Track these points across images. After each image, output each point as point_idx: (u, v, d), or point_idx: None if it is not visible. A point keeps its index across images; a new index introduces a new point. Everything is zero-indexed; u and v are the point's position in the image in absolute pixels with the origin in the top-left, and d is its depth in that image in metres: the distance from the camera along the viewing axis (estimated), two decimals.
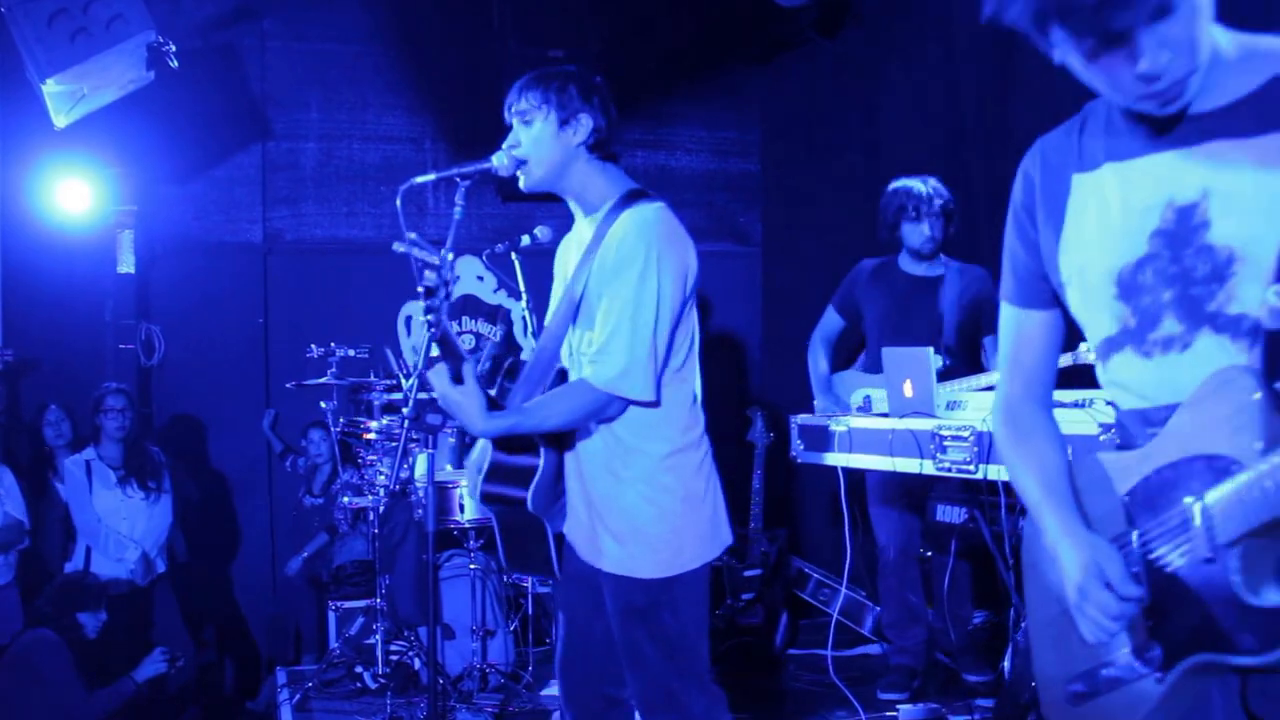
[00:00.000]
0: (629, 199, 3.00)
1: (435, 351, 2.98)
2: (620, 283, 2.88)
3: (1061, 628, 1.89)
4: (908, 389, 4.30)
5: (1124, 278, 1.78)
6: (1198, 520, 1.63)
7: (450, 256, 2.87)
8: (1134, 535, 1.77)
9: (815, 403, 5.16)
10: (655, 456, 2.96)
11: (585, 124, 2.98)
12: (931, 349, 4.30)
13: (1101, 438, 3.16)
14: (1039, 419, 2.01)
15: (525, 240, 4.75)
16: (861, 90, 6.96)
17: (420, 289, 2.83)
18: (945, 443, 3.96)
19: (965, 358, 5.07)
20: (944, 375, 4.54)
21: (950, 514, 4.96)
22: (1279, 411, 1.56)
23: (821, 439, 4.64)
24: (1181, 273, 1.71)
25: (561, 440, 3.04)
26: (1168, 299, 1.73)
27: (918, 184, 5.04)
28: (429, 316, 2.84)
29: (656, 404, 2.93)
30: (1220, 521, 1.59)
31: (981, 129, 6.02)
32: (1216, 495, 1.60)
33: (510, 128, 3.04)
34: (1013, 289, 2.01)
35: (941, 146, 6.33)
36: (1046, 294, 1.95)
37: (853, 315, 5.26)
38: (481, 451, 3.20)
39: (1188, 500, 1.65)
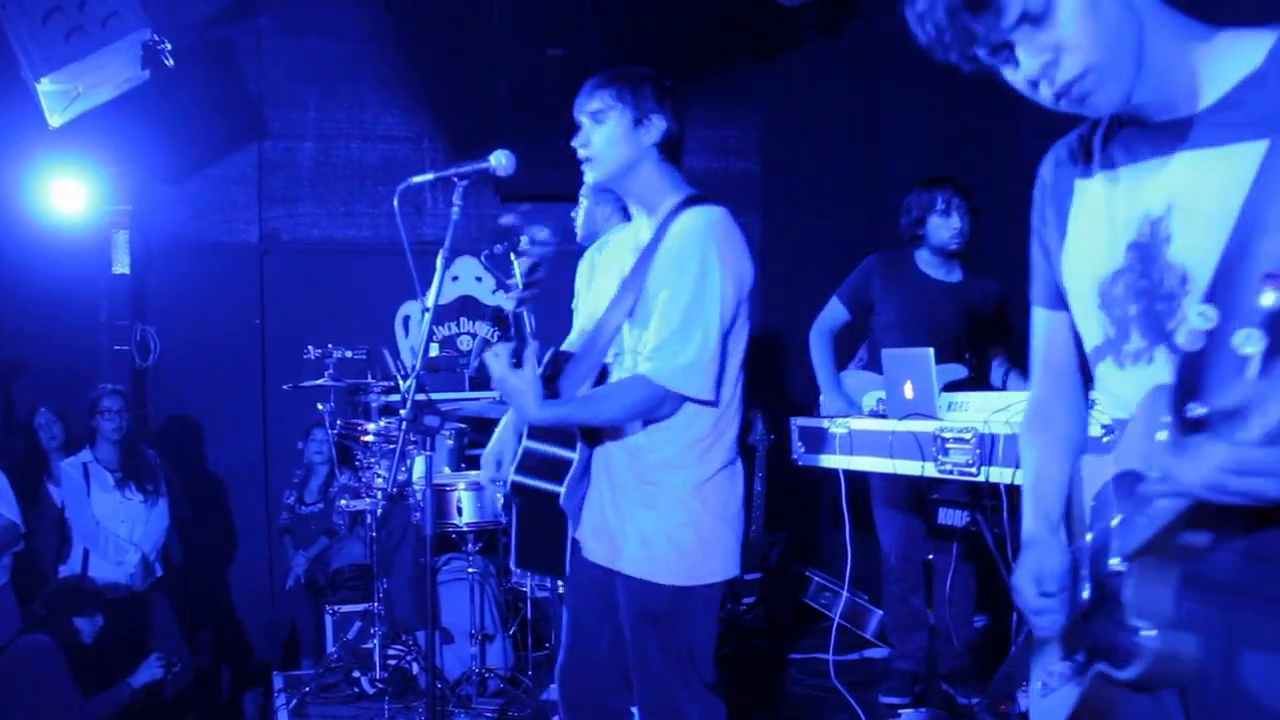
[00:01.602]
0: (691, 201, 3.00)
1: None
2: (681, 280, 2.87)
3: None
4: (908, 390, 4.26)
5: (1103, 288, 1.79)
6: (1111, 533, 1.71)
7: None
8: (1088, 538, 1.83)
9: (823, 399, 5.07)
10: (701, 466, 2.95)
11: (658, 125, 3.00)
12: (931, 350, 4.26)
13: (1105, 439, 3.13)
14: (1061, 420, 2.05)
15: (524, 241, 4.70)
16: (863, 89, 6.94)
17: (525, 263, 2.92)
18: (947, 445, 3.92)
19: (980, 370, 5.03)
20: (962, 386, 4.51)
21: (952, 517, 4.92)
22: (1185, 433, 1.54)
23: (821, 441, 4.60)
24: (1149, 288, 1.71)
25: (596, 438, 3.02)
26: (1133, 313, 1.74)
27: (944, 182, 4.98)
28: (525, 293, 2.92)
29: (715, 404, 2.93)
30: (1122, 537, 1.67)
31: (984, 129, 6.00)
32: (1126, 509, 1.68)
33: (579, 126, 3.03)
34: (1038, 290, 2.03)
35: (943, 146, 6.31)
36: (1064, 296, 1.96)
37: (861, 310, 5.15)
38: (498, 443, 3.15)
39: (1114, 512, 1.73)
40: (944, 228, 4.93)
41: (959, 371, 4.78)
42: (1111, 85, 1.61)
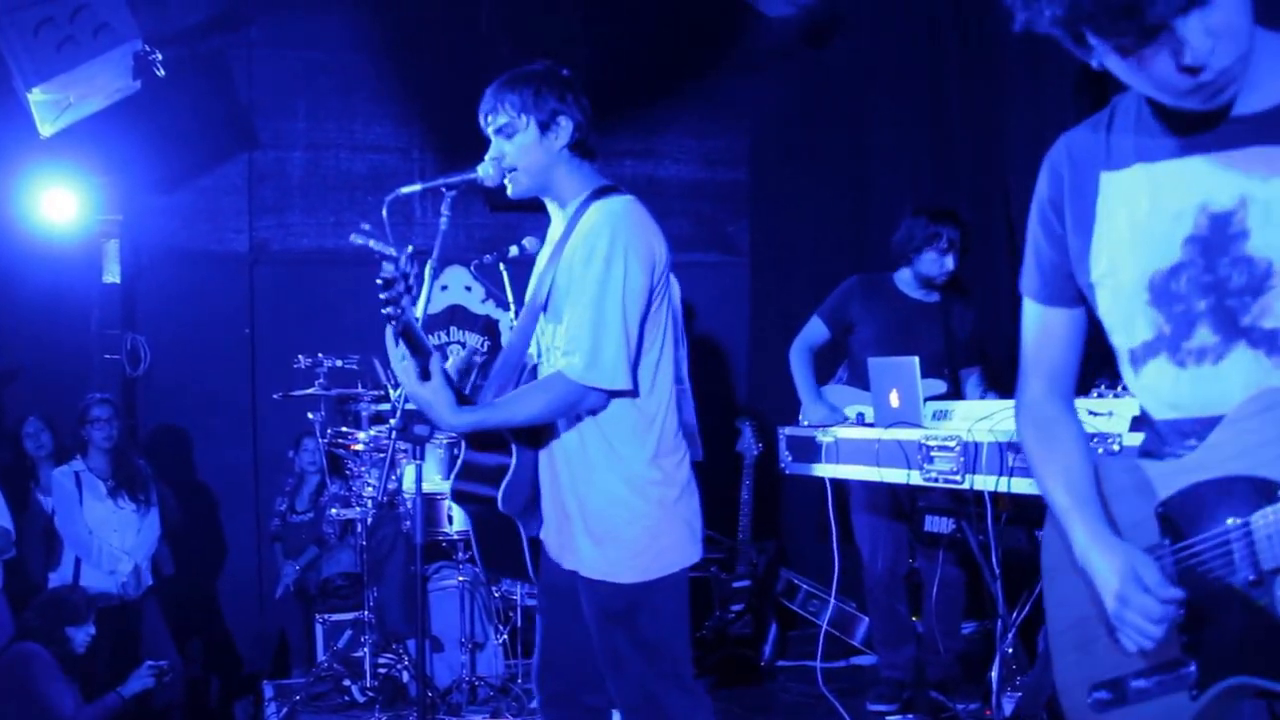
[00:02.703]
0: (598, 194, 3.00)
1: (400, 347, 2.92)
2: (587, 273, 2.86)
3: (1085, 633, 1.88)
4: (894, 399, 4.30)
5: (1156, 284, 1.74)
6: (1240, 542, 1.61)
7: (410, 249, 2.83)
8: (1169, 548, 1.74)
9: (804, 411, 5.11)
10: (634, 459, 2.93)
11: (565, 126, 2.98)
12: (917, 359, 4.29)
13: (1114, 447, 3.16)
14: (1063, 420, 1.97)
15: (513, 251, 4.73)
16: (849, 100, 6.97)
17: (378, 280, 2.76)
18: (932, 453, 3.95)
19: (957, 388, 5.07)
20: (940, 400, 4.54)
21: (938, 524, 4.94)
22: None
23: (809, 450, 4.63)
24: (1216, 282, 1.67)
25: (537, 439, 3.00)
26: (1202, 308, 1.69)
27: (952, 219, 5.00)
28: (388, 309, 2.79)
29: (634, 393, 2.90)
30: (1265, 546, 1.58)
31: (968, 139, 6.03)
32: (1264, 519, 1.58)
33: (489, 140, 3.03)
34: (1037, 285, 1.97)
35: (928, 157, 6.34)
36: (1071, 291, 1.91)
37: (841, 329, 5.21)
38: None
39: (1231, 521, 1.63)
40: (936, 265, 4.97)
41: (938, 387, 4.83)
42: (1241, 78, 1.59)
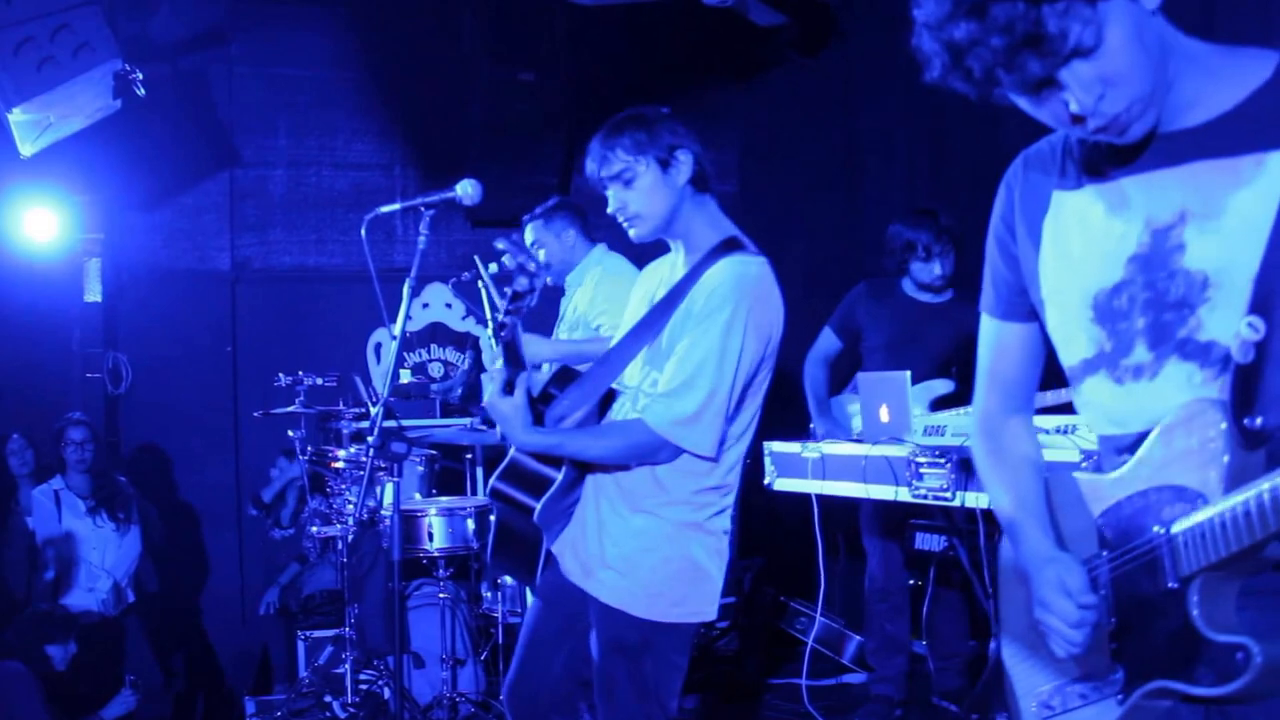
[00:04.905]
0: (726, 246, 2.93)
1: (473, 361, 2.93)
2: (704, 330, 2.80)
3: (1032, 643, 1.93)
4: (884, 414, 4.25)
5: (1100, 302, 1.76)
6: (1162, 550, 1.65)
7: (542, 257, 2.82)
8: (1105, 558, 1.78)
9: (813, 425, 5.08)
10: (692, 507, 2.89)
11: (685, 160, 2.92)
12: (908, 373, 4.25)
13: (1083, 464, 3.13)
14: (1017, 433, 2.02)
15: (493, 268, 4.71)
16: (841, 110, 6.95)
17: (510, 290, 2.79)
18: (922, 469, 3.92)
19: (967, 388, 5.04)
20: (951, 401, 4.49)
21: (929, 542, 4.91)
22: (1245, 447, 1.55)
23: (795, 466, 4.60)
24: (1155, 298, 1.69)
25: (593, 464, 2.96)
26: (1141, 326, 1.71)
27: (926, 224, 4.94)
28: (506, 318, 2.81)
29: (715, 460, 2.86)
30: (1183, 553, 1.62)
31: (964, 148, 6.02)
32: (1180, 527, 1.62)
33: (604, 191, 2.94)
34: (992, 301, 2.01)
35: (923, 166, 6.32)
36: (1025, 307, 1.94)
37: (851, 337, 5.17)
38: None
39: (1155, 530, 1.67)
40: (924, 272, 4.92)
41: (945, 386, 4.78)
42: (1150, 114, 1.61)
